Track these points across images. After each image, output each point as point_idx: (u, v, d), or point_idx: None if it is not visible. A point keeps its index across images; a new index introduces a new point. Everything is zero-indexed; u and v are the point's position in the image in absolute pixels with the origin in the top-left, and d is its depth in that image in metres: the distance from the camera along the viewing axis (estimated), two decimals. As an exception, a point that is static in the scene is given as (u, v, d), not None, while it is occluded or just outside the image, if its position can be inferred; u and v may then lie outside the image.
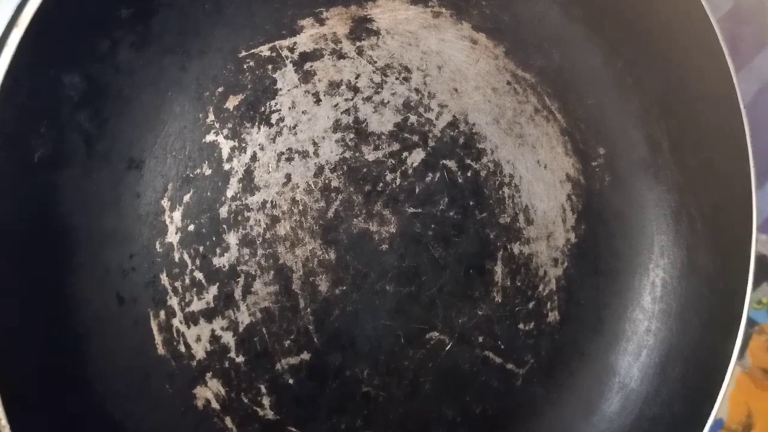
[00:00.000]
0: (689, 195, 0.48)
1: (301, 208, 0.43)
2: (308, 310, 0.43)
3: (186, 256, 0.41)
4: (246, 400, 0.42)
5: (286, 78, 0.43)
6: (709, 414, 0.44)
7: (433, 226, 0.45)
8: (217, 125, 0.41)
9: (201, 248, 0.41)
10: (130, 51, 0.37)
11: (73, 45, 0.35)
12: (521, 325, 0.47)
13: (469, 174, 0.46)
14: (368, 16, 0.45)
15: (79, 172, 0.36)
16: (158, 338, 0.40)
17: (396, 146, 0.45)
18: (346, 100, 0.44)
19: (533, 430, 0.48)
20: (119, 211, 0.39)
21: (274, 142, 0.43)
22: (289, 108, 0.43)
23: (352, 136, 0.44)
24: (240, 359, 0.42)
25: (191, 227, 0.41)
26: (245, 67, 0.42)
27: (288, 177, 0.43)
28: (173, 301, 0.40)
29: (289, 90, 0.43)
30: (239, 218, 0.42)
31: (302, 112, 0.43)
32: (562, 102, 0.48)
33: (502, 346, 0.47)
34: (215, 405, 0.42)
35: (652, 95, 0.48)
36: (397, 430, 0.45)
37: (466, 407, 0.47)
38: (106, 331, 0.38)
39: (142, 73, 0.38)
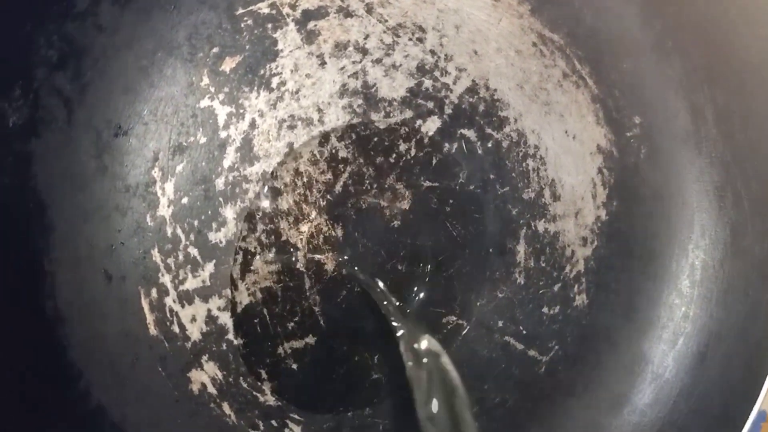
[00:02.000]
0: (735, 170, 0.44)
1: (305, 180, 0.41)
2: (313, 290, 0.41)
3: (179, 231, 0.39)
4: (245, 385, 0.40)
5: (288, 38, 0.40)
6: (750, 409, 0.41)
7: (450, 201, 0.43)
8: (212, 89, 0.39)
9: (196, 222, 0.39)
10: (113, 8, 0.35)
11: (47, 1, 0.33)
12: (545, 309, 0.45)
13: (489, 144, 0.43)
14: (379, -30, 0.42)
15: (58, 140, 0.35)
16: (150, 318, 0.38)
17: (409, 113, 0.42)
18: (353, 62, 0.41)
19: (557, 422, 0.46)
20: (105, 183, 0.37)
21: (274, 108, 0.40)
22: (291, 71, 0.40)
23: (360, 101, 0.41)
24: (238, 342, 0.40)
25: (185, 200, 0.39)
26: (242, 26, 0.39)
27: (290, 146, 0.41)
28: (165, 279, 0.39)
29: (290, 51, 0.40)
30: (237, 190, 0.40)
31: (305, 75, 0.41)
32: (593, 66, 0.45)
33: (525, 332, 0.45)
34: (212, 390, 0.40)
35: (695, 60, 0.44)
36: (408, 420, 0.43)
37: (483, 397, 0.44)
38: (92, 312, 0.36)
39: (127, 32, 0.36)
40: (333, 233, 0.41)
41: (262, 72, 0.40)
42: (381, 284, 0.41)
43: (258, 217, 0.40)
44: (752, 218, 0.43)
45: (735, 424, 0.41)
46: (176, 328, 0.39)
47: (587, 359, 0.46)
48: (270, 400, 0.41)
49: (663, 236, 0.46)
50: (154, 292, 0.38)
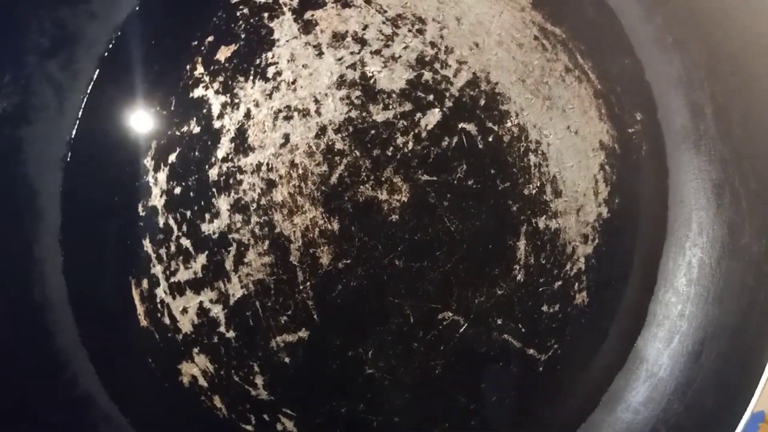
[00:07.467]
0: (734, 168, 0.44)
1: (300, 172, 0.40)
2: (307, 284, 0.40)
3: (172, 221, 0.38)
4: (237, 379, 0.40)
5: (284, 28, 0.39)
6: (745, 408, 0.40)
7: (449, 195, 0.42)
8: (206, 78, 0.38)
9: (188, 213, 0.39)
10: (107, -7, 0.34)
11: (39, -15, 0.32)
12: (545, 307, 0.44)
13: (490, 139, 0.42)
14: (379, -40, 0.41)
15: (50, 127, 0.34)
16: (140, 309, 0.38)
17: (408, 106, 0.41)
18: (351, 53, 0.40)
19: (553, 420, 0.45)
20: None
21: (270, 98, 0.39)
22: (288, 61, 0.40)
23: (358, 93, 0.40)
24: (230, 334, 0.40)
25: (177, 190, 0.38)
26: (238, 14, 0.39)
27: (286, 137, 0.40)
28: (157, 270, 0.38)
29: (287, 41, 0.40)
30: (231, 181, 0.39)
31: (302, 65, 0.40)
32: (595, 61, 0.44)
33: (523, 330, 0.44)
34: (203, 382, 0.39)
35: (695, 56, 0.44)
36: (402, 416, 0.43)
37: (481, 395, 0.44)
38: (81, 300, 0.35)
39: (120, 19, 0.35)
40: (329, 226, 0.40)
41: (257, 61, 0.39)
42: None
43: (252, 208, 0.39)
44: (750, 217, 0.43)
45: (729, 423, 0.40)
46: (167, 320, 0.38)
47: (585, 358, 0.45)
48: (262, 394, 0.40)
49: (661, 234, 0.46)
50: (145, 283, 0.38)
